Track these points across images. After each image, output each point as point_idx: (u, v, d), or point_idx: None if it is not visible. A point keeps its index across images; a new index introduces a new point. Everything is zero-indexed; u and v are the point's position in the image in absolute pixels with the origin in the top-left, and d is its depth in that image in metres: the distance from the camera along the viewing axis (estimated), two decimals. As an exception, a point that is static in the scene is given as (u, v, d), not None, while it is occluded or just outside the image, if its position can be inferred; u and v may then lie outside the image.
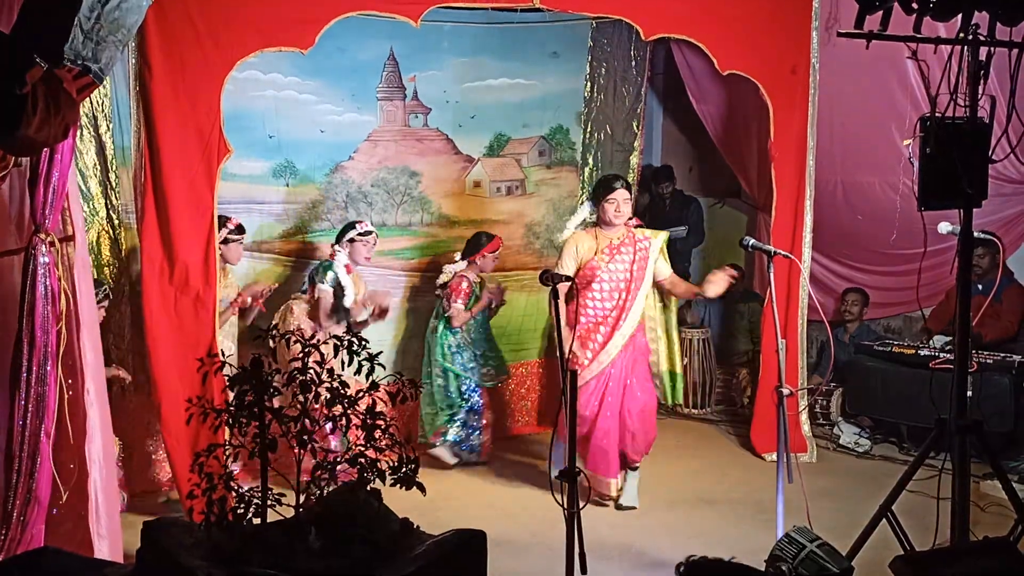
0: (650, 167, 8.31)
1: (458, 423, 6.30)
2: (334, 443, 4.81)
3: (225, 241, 5.43)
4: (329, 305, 5.85)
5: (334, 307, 5.86)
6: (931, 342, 6.61)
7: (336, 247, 5.97)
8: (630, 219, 5.59)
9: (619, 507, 5.56)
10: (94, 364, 4.17)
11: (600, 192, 5.55)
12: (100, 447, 4.17)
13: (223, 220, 5.43)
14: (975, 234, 4.14)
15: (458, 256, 6.40)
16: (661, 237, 5.68)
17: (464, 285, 6.26)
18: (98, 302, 5.17)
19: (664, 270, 5.60)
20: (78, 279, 4.08)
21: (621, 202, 5.49)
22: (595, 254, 5.51)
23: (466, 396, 6.30)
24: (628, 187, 5.63)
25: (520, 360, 7.08)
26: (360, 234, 5.95)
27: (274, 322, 5.77)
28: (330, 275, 5.87)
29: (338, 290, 5.88)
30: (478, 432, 6.33)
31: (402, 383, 3.02)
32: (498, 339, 6.62)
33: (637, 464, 5.68)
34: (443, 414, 6.31)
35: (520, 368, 7.07)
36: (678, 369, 5.78)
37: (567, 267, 5.52)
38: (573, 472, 3.83)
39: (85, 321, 4.12)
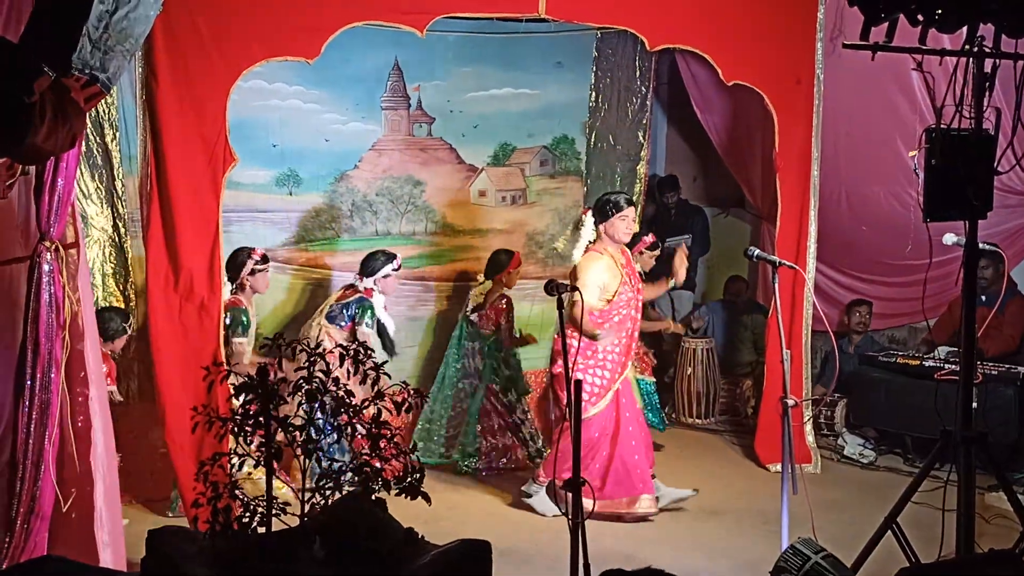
0: (655, 177, 8.33)
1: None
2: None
3: (252, 272, 5.48)
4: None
5: (382, 344, 5.92)
6: (935, 353, 6.60)
7: (368, 283, 5.94)
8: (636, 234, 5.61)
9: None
10: (95, 372, 4.18)
11: (610, 209, 5.41)
12: (103, 455, 4.17)
13: (248, 252, 5.49)
14: (980, 245, 4.13)
15: (481, 276, 6.42)
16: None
17: (503, 304, 6.35)
18: (118, 334, 5.26)
19: None
20: (80, 286, 4.08)
21: (631, 219, 5.46)
22: (619, 280, 5.40)
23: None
24: (633, 204, 5.61)
25: (527, 369, 7.07)
26: (395, 269, 5.99)
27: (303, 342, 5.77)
28: (369, 315, 5.89)
29: (380, 327, 5.93)
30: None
31: (408, 392, 3.02)
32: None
33: None
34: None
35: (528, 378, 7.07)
36: None
37: (594, 298, 5.27)
38: (577, 481, 3.83)
39: (87, 329, 4.12)
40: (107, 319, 5.23)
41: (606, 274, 5.40)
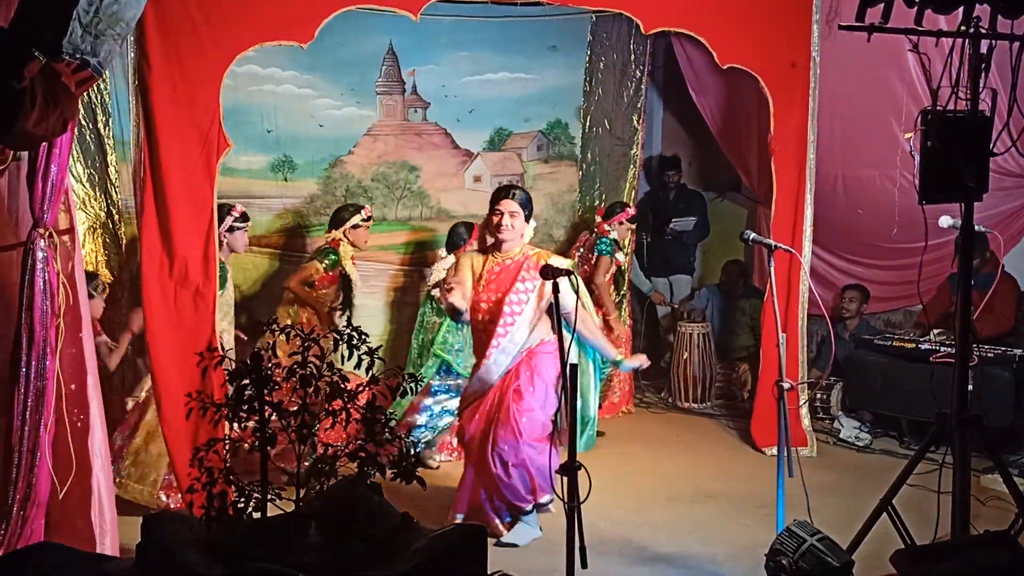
0: (660, 156, 8.31)
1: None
2: None
3: (230, 229, 5.42)
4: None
5: (342, 299, 5.83)
6: (931, 335, 6.60)
7: (337, 234, 5.88)
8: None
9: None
10: (91, 358, 4.18)
11: (491, 201, 4.91)
12: (100, 440, 4.17)
13: (227, 208, 5.39)
14: (976, 228, 4.13)
15: (443, 252, 6.36)
16: (565, 264, 4.38)
17: None
18: (96, 294, 5.16)
19: (568, 302, 4.46)
20: (75, 273, 4.07)
21: (507, 214, 4.75)
22: (479, 278, 4.83)
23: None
24: (523, 199, 4.88)
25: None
26: (365, 220, 5.92)
27: (276, 316, 5.74)
28: (329, 260, 5.82)
29: (345, 281, 5.86)
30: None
31: (402, 377, 3.01)
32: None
33: (526, 509, 4.86)
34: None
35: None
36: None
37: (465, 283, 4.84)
38: (574, 466, 3.82)
39: (83, 316, 4.12)
40: None
41: (466, 264, 4.92)
